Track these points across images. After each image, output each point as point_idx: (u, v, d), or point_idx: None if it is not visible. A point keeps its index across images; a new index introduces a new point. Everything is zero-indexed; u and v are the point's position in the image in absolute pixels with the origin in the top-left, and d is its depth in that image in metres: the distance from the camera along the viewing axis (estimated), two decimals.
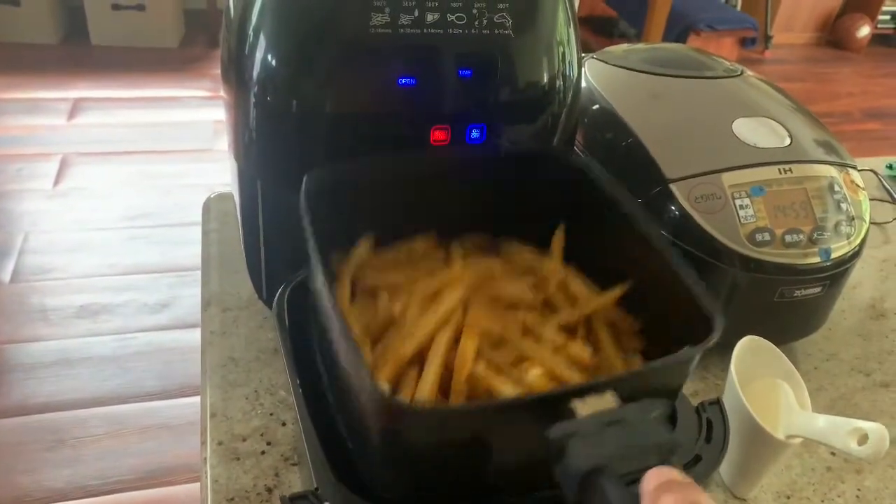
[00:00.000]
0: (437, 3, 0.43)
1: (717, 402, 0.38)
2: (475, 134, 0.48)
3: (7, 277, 1.82)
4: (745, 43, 3.13)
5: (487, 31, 0.45)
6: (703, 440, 0.36)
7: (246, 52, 0.46)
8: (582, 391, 0.30)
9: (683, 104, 0.63)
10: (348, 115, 0.46)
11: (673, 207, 0.56)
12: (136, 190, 2.21)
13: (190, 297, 1.84)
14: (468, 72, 0.45)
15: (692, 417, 0.38)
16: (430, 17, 0.43)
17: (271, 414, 0.53)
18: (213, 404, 0.53)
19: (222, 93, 0.52)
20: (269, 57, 0.45)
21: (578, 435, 0.28)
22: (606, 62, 0.70)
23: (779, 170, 0.57)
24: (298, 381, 0.38)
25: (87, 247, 1.96)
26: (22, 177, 2.20)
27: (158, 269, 1.91)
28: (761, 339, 0.53)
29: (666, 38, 2.89)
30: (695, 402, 0.59)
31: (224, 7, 0.50)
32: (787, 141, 0.59)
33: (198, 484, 0.51)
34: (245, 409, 0.53)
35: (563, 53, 0.49)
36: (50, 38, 2.97)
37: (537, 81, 0.49)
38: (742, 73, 0.68)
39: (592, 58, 0.72)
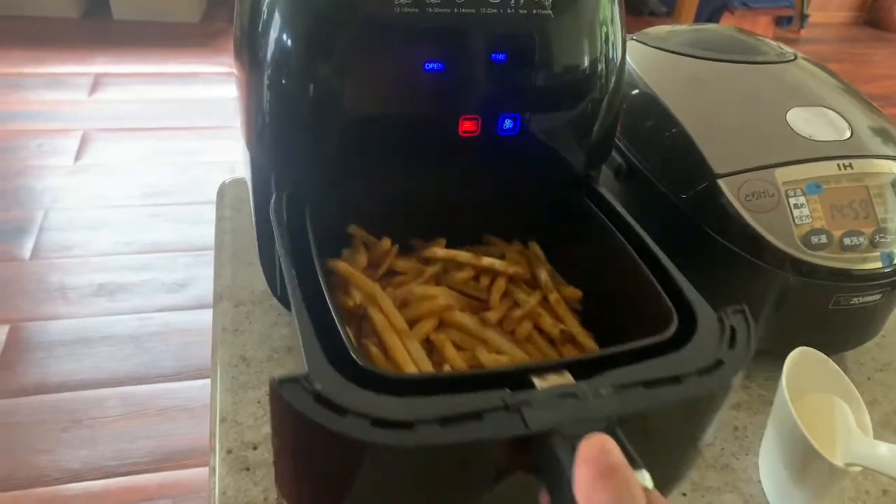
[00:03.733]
0: None
1: (742, 311, 0.37)
2: (508, 124, 0.44)
3: (27, 254, 1.82)
4: (780, 22, 3.03)
5: (524, 11, 0.40)
6: (725, 345, 0.35)
7: (259, 29, 0.42)
8: (542, 369, 0.32)
9: (732, 92, 0.58)
10: (369, 103, 0.42)
11: (721, 205, 0.52)
12: (156, 166, 2.19)
13: (207, 277, 1.81)
14: (502, 56, 0.41)
15: (714, 325, 0.36)
16: None
17: None
18: (222, 408, 0.50)
19: (234, 71, 0.48)
20: (284, 36, 0.41)
21: (535, 402, 0.30)
22: (647, 44, 0.65)
23: (838, 165, 0.52)
24: (294, 273, 0.36)
25: (107, 224, 1.95)
26: (43, 152, 2.19)
27: (176, 248, 1.89)
28: (816, 351, 0.48)
29: (699, 16, 2.81)
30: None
31: None
32: (847, 133, 0.54)
33: None
34: (256, 415, 0.50)
35: (607, 34, 0.45)
36: (71, 12, 2.95)
37: (578, 66, 0.44)
38: (796, 57, 0.63)
39: (632, 39, 0.67)
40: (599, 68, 0.45)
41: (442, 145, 0.43)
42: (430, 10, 0.39)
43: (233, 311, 0.57)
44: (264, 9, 0.41)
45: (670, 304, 0.38)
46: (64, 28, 2.89)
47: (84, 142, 2.24)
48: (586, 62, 0.44)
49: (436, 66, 0.40)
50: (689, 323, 0.36)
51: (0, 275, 1.76)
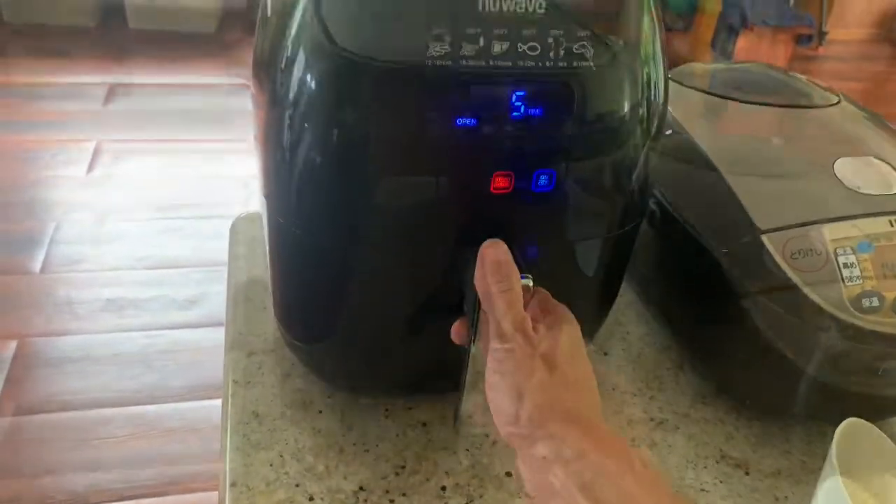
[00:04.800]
0: (506, 31, 0.36)
1: None
2: (543, 181, 0.41)
3: (38, 267, 1.80)
4: (800, 40, 2.98)
5: (564, 64, 0.37)
6: None
7: (282, 65, 0.39)
8: None
9: (775, 138, 0.55)
10: (397, 157, 0.39)
11: (764, 262, 0.49)
12: (169, 179, 2.17)
13: (219, 293, 1.78)
14: (538, 110, 0.38)
15: None
16: (497, 48, 0.36)
17: (297, 485, 0.47)
18: (232, 469, 0.47)
19: (251, 91, 0.45)
20: (309, 78, 0.38)
21: None
22: (682, 83, 0.63)
23: (889, 222, 0.49)
24: None
25: (118, 238, 1.93)
26: (56, 163, 2.18)
27: (188, 264, 1.87)
28: (870, 425, 0.45)
29: (717, 34, 2.77)
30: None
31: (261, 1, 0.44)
32: None
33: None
34: (268, 479, 0.47)
35: (649, 76, 0.41)
36: (88, 21, 2.95)
37: (618, 113, 0.41)
38: (840, 101, 0.60)
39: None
40: (641, 112, 0.42)
41: (474, 202, 0.40)
42: (464, 62, 0.36)
43: (245, 361, 0.55)
44: (288, 44, 0.39)
45: None
46: (80, 38, 2.89)
47: (98, 152, 2.23)
48: (627, 108, 0.41)
49: (468, 121, 0.37)
50: None
51: (10, 288, 1.74)
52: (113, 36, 2.94)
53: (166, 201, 2.07)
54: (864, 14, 3.95)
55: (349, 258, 0.43)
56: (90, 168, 2.16)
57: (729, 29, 2.83)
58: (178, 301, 1.76)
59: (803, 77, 0.66)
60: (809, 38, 3.03)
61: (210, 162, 2.27)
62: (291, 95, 0.39)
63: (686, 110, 0.59)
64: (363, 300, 0.45)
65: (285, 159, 0.41)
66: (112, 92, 2.55)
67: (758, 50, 2.95)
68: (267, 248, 0.48)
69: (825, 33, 3.71)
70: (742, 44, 2.86)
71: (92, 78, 2.62)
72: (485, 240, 0.40)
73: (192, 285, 1.81)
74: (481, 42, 0.36)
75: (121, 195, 2.08)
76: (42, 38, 2.84)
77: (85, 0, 2.90)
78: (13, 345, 1.59)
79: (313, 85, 0.38)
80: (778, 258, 0.48)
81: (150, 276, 1.83)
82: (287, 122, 0.40)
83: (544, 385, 0.36)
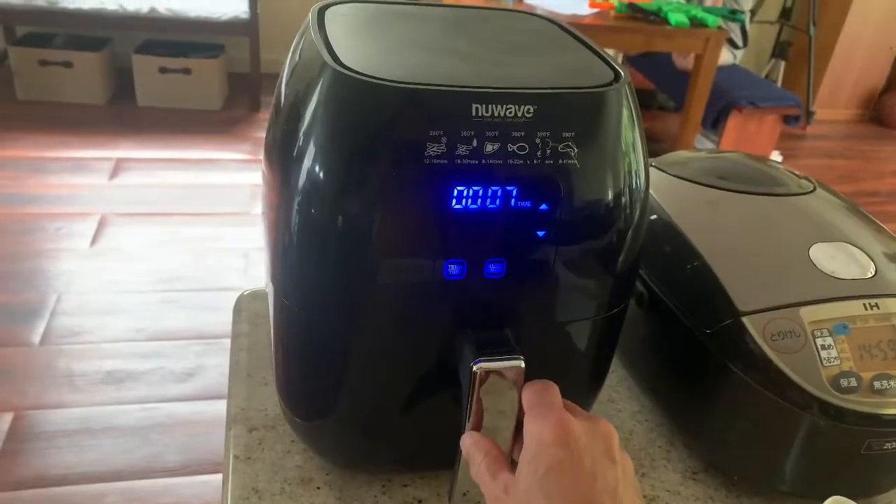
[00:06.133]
0: (497, 133, 0.40)
1: None
2: (532, 268, 0.43)
3: (37, 339, 1.81)
4: (788, 120, 3.08)
5: (550, 162, 0.41)
6: None
7: (294, 154, 0.42)
8: None
9: (754, 224, 0.58)
10: (399, 241, 0.42)
11: (746, 343, 0.51)
12: (171, 252, 2.21)
13: (216, 366, 1.81)
14: (527, 203, 0.41)
15: None
16: (488, 148, 0.40)
17: None
18: None
19: (262, 172, 0.49)
20: (317, 168, 0.41)
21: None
22: (664, 171, 0.66)
23: (864, 305, 0.52)
24: None
25: (118, 309, 1.95)
26: (60, 236, 2.21)
27: (187, 336, 1.88)
28: (851, 502, 0.47)
29: (707, 114, 2.87)
30: None
31: (276, 90, 0.48)
32: (871, 271, 0.54)
33: None
34: None
35: (630, 165, 0.44)
36: (98, 99, 3.05)
37: (602, 201, 0.44)
38: (815, 189, 0.63)
39: (650, 165, 0.68)
40: (623, 201, 0.45)
41: (468, 286, 0.43)
42: (459, 161, 0.40)
43: (246, 436, 0.56)
44: (301, 136, 0.42)
45: None
46: (90, 114, 2.98)
47: (102, 225, 2.27)
48: (610, 197, 0.44)
49: (464, 212, 0.40)
50: None
51: (8, 360, 1.75)
52: (121, 112, 3.04)
53: (168, 273, 2.10)
54: (850, 95, 4.10)
55: (351, 340, 0.45)
56: (94, 241, 2.20)
57: (719, 110, 2.93)
58: (175, 373, 1.76)
59: (781, 165, 0.70)
60: (797, 118, 3.12)
61: (212, 235, 2.31)
62: (301, 183, 0.42)
63: (669, 197, 0.63)
64: (364, 381, 0.47)
65: (292, 243, 0.44)
66: (118, 167, 2.62)
67: (746, 129, 3.04)
68: (272, 329, 0.50)
69: (813, 113, 3.84)
70: (731, 124, 2.95)
71: (99, 153, 2.69)
72: (479, 323, 0.43)
73: (191, 357, 1.82)
74: (474, 143, 0.40)
75: (122, 267, 2.11)
76: (53, 113, 2.93)
77: (96, 79, 3.01)
78: (9, 418, 1.58)
79: (322, 175, 0.41)
80: (759, 339, 0.51)
81: (148, 347, 1.84)
82: (296, 208, 0.43)
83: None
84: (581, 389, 0.53)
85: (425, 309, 0.44)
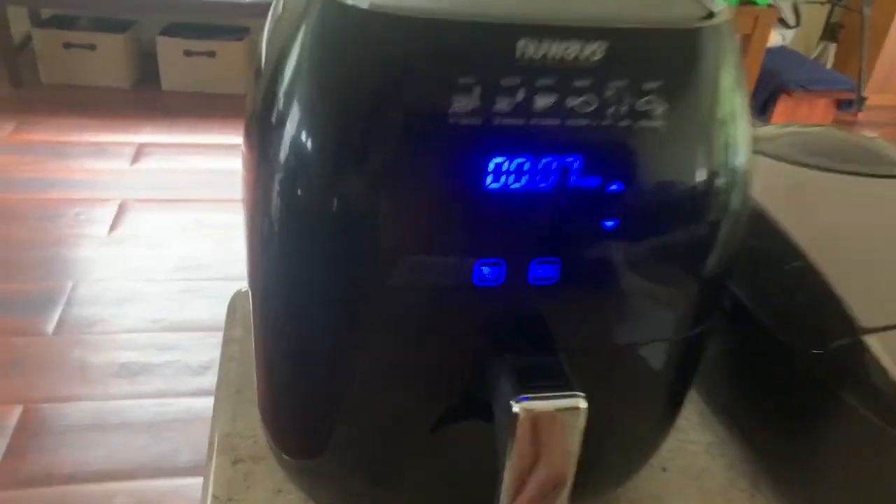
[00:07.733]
0: (552, 82, 0.28)
1: None
2: (595, 268, 0.32)
3: (51, 329, 1.75)
4: (841, 105, 2.90)
5: (626, 123, 0.29)
6: None
7: (274, 120, 0.31)
8: None
9: (869, 216, 0.46)
10: (413, 233, 0.31)
11: (868, 368, 0.39)
12: (191, 239, 2.13)
13: None
14: (592, 181, 0.30)
15: None
16: (539, 103, 0.28)
17: None
18: None
19: (242, 152, 0.38)
20: (304, 136, 0.30)
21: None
22: None
23: None
24: None
25: (136, 298, 1.88)
26: (79, 222, 2.15)
27: (205, 327, 1.81)
28: None
29: (756, 98, 2.71)
30: None
31: (255, 52, 0.37)
32: None
33: None
34: None
35: (730, 133, 0.33)
36: (122, 83, 2.99)
37: (695, 181, 0.32)
38: None
39: None
40: (717, 184, 0.33)
41: (507, 293, 0.32)
42: (497, 121, 0.28)
43: (230, 471, 0.46)
44: (281, 95, 0.31)
45: None
46: (114, 98, 2.92)
47: (121, 211, 2.20)
48: (706, 175, 0.32)
49: (501, 193, 0.29)
50: None
51: (20, 350, 1.68)
52: (145, 96, 2.97)
53: (188, 261, 2.03)
54: None
55: (349, 363, 0.34)
56: (112, 227, 2.13)
57: (768, 93, 2.76)
58: (191, 367, 1.69)
59: (881, 140, 0.58)
60: (850, 103, 2.94)
61: (234, 222, 2.23)
62: (282, 155, 0.31)
63: (756, 180, 0.51)
64: (365, 415, 0.36)
65: (273, 236, 0.33)
66: (140, 151, 2.55)
67: (796, 114, 2.87)
68: (253, 343, 0.40)
69: (864, 99, 3.63)
70: (781, 108, 2.78)
71: (122, 137, 2.63)
72: (521, 345, 0.31)
73: (209, 349, 1.74)
74: (519, 95, 0.28)
75: (141, 254, 2.04)
76: (76, 97, 2.87)
77: (120, 61, 2.95)
78: (18, 411, 1.52)
79: (309, 145, 0.31)
80: (885, 362, 0.39)
81: (165, 339, 1.76)
82: (276, 189, 0.32)
83: None
84: (649, 429, 0.41)
85: (448, 325, 0.32)
